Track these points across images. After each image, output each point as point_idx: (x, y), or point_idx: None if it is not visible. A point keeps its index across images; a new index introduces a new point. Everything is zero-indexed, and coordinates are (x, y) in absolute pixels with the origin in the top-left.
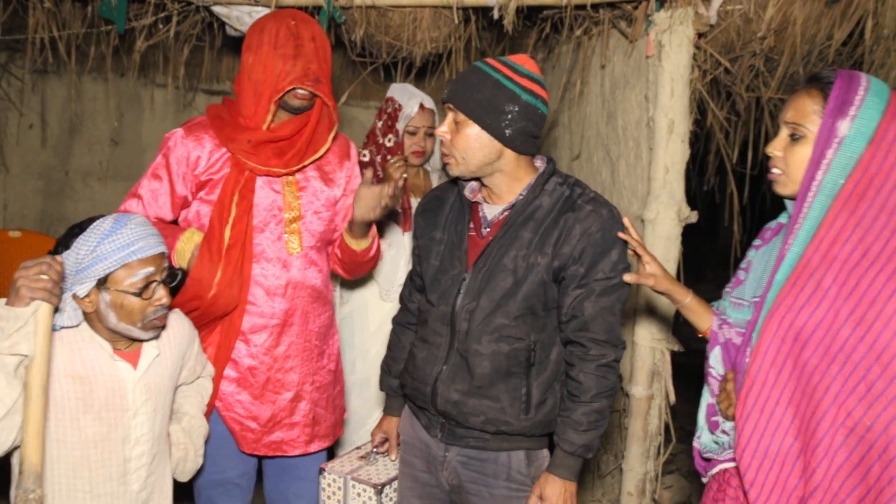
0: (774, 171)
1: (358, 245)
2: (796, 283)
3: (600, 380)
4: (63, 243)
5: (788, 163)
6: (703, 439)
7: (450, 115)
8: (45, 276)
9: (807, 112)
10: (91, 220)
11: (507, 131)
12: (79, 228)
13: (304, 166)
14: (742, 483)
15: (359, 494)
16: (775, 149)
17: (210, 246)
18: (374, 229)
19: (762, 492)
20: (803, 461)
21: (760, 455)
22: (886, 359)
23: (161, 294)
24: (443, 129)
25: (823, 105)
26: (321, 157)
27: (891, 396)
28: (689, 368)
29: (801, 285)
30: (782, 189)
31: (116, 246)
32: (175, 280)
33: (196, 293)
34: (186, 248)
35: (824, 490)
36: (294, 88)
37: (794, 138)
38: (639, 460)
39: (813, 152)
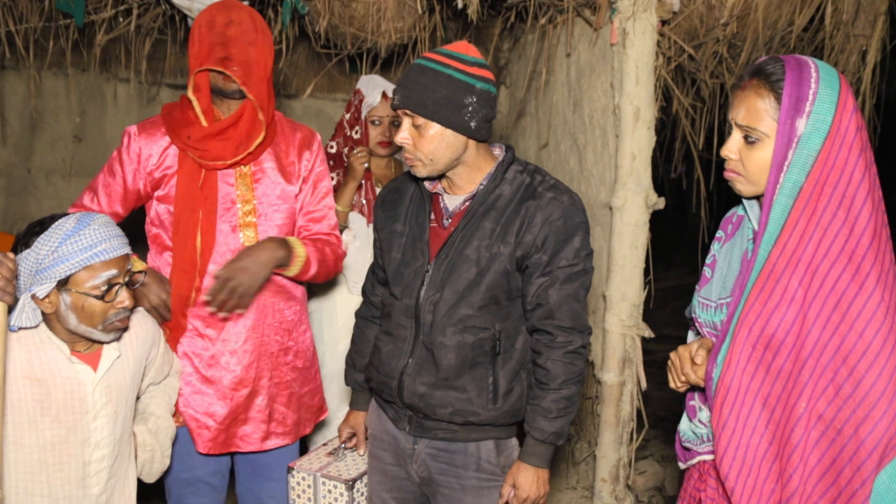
0: (731, 173)
1: (286, 272)
2: (764, 289)
3: (568, 366)
4: (23, 241)
5: (746, 166)
6: (682, 426)
7: (406, 121)
8: None
9: (760, 114)
10: (53, 219)
11: (472, 123)
12: (39, 227)
13: (251, 154)
14: (724, 488)
15: (329, 491)
16: (730, 151)
17: (183, 258)
18: (295, 257)
19: (741, 498)
20: (778, 467)
21: (738, 463)
22: (852, 361)
23: (124, 297)
24: (403, 136)
25: (775, 104)
26: (268, 144)
27: (858, 399)
28: (660, 355)
29: (769, 290)
30: (743, 189)
31: (79, 247)
32: (138, 283)
33: (176, 306)
34: None
35: (800, 494)
36: (203, 70)
37: (750, 141)
38: (612, 447)
39: (774, 155)
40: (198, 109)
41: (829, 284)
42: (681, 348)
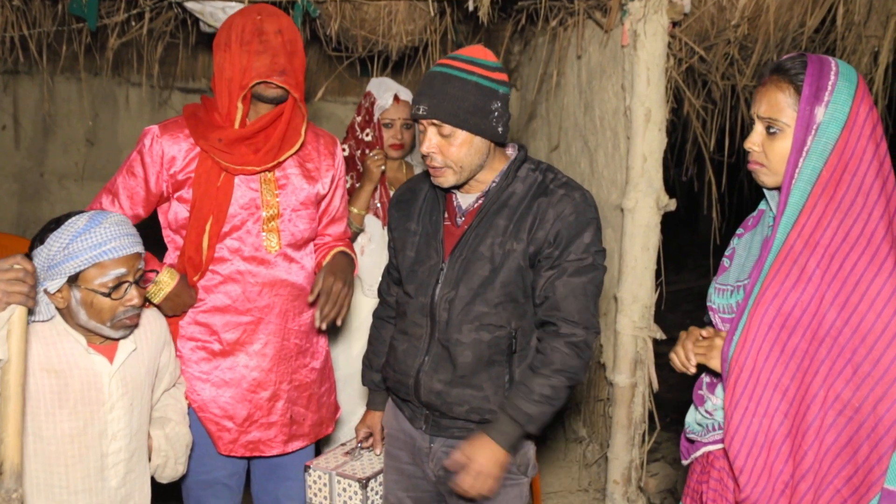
0: (755, 164)
1: None
2: (780, 270)
3: (566, 357)
4: (39, 238)
5: (769, 157)
6: (688, 418)
7: (432, 130)
8: (20, 281)
9: (781, 106)
10: (68, 216)
11: (500, 128)
12: (55, 224)
13: (280, 162)
14: (731, 469)
15: (344, 490)
16: (753, 143)
17: (193, 257)
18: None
19: (751, 478)
20: (790, 446)
21: (749, 442)
22: (871, 341)
23: (133, 294)
24: (431, 146)
25: (796, 97)
26: (297, 150)
27: (877, 377)
28: None
29: (785, 271)
30: (766, 179)
31: (89, 244)
32: (149, 282)
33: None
34: (162, 289)
35: (814, 472)
36: (261, 82)
37: (771, 132)
38: (624, 448)
39: (794, 140)
40: (238, 116)
41: (847, 267)
42: (692, 328)
